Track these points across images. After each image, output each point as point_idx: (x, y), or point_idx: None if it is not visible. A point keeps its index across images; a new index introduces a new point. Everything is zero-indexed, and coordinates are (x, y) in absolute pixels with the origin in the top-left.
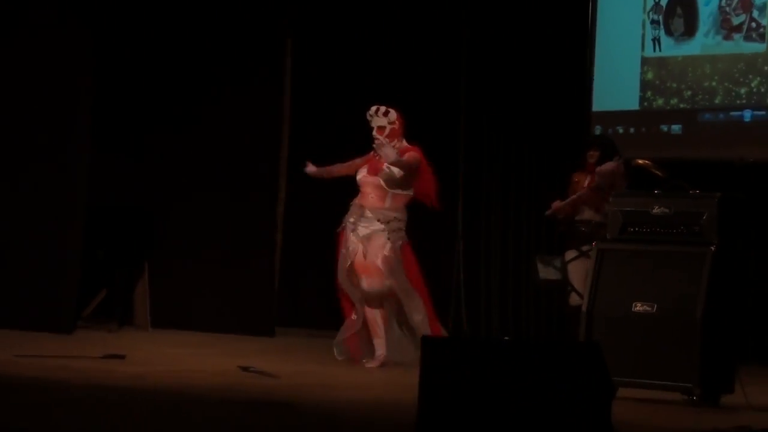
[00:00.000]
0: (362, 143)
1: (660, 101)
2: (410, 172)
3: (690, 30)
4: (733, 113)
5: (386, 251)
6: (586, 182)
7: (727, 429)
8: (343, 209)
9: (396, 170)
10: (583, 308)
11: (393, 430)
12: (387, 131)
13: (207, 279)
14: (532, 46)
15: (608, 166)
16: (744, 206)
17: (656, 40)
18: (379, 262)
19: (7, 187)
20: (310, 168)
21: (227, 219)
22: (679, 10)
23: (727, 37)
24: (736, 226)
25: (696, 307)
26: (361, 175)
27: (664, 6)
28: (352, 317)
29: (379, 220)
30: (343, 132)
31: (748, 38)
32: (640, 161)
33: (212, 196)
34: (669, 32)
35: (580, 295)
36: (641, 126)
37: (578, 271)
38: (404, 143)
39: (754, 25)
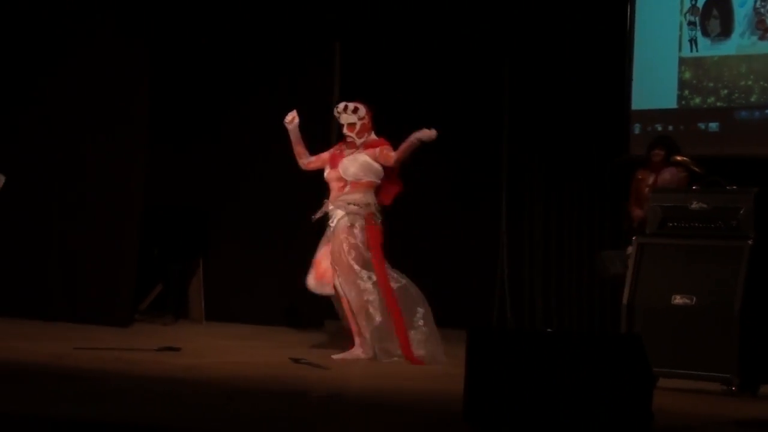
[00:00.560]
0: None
1: (697, 100)
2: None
3: (726, 31)
4: None
5: (344, 237)
6: (651, 180)
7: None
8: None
9: (362, 159)
10: (624, 301)
11: (441, 418)
12: (357, 127)
13: (259, 274)
14: (572, 47)
15: (666, 175)
16: None
17: (693, 41)
18: (344, 254)
19: (68, 186)
20: (290, 120)
21: (278, 217)
22: (715, 12)
23: (762, 38)
24: None
25: (734, 299)
26: (326, 172)
27: (701, 8)
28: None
29: (346, 205)
30: (390, 135)
31: None
32: (679, 158)
33: (264, 194)
34: (705, 33)
35: None
36: (679, 124)
37: None
38: (373, 136)
39: None
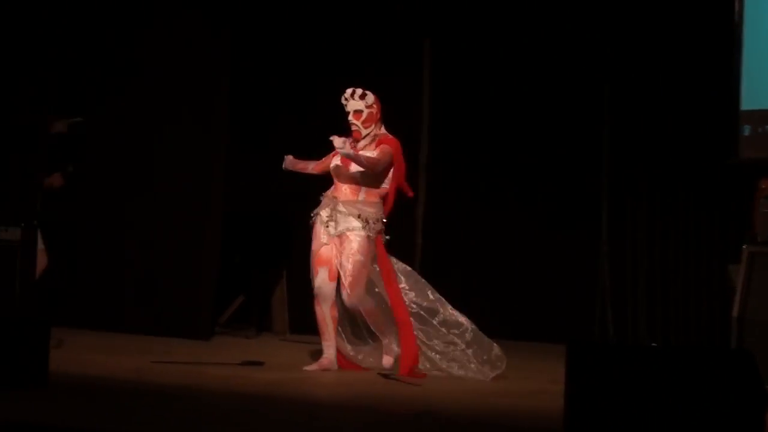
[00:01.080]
0: (502, 146)
1: None
2: (374, 170)
3: None
4: None
5: (359, 252)
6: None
7: None
8: (489, 209)
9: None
10: (734, 314)
11: None
12: (364, 116)
13: None
14: (675, 44)
15: None
16: None
17: None
18: (350, 265)
19: (145, 192)
20: (288, 162)
21: None
22: None
23: None
24: None
25: None
26: (335, 163)
27: None
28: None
29: (358, 216)
30: (483, 134)
31: None
32: None
33: None
34: None
35: None
36: None
37: None
38: (382, 130)
39: None
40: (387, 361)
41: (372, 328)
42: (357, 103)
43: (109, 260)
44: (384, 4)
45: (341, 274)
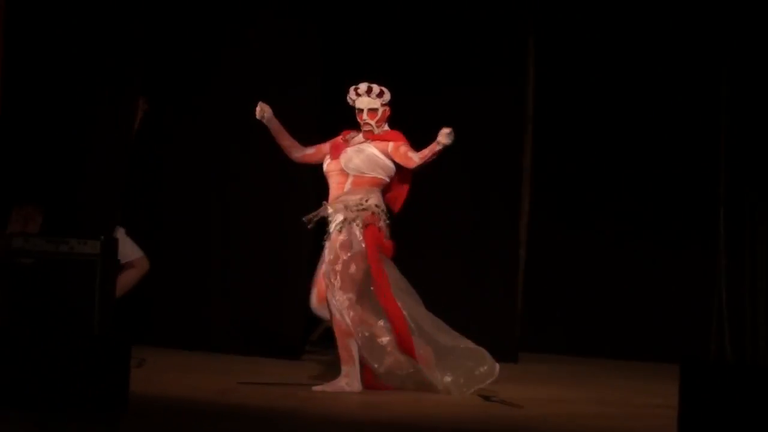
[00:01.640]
0: (611, 151)
1: None
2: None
3: None
4: None
5: (340, 247)
6: None
7: None
8: (596, 219)
9: (369, 151)
10: None
11: None
12: (379, 115)
13: (442, 298)
14: None
15: None
16: None
17: None
18: (342, 266)
19: (234, 207)
20: (266, 111)
21: (464, 233)
22: None
23: None
24: None
25: None
26: (326, 164)
27: None
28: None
29: (344, 208)
30: (589, 139)
31: None
32: None
33: (447, 208)
34: None
35: None
36: None
37: None
38: (386, 128)
39: None
40: (344, 384)
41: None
42: (373, 101)
43: (192, 276)
44: (483, 4)
45: (329, 277)
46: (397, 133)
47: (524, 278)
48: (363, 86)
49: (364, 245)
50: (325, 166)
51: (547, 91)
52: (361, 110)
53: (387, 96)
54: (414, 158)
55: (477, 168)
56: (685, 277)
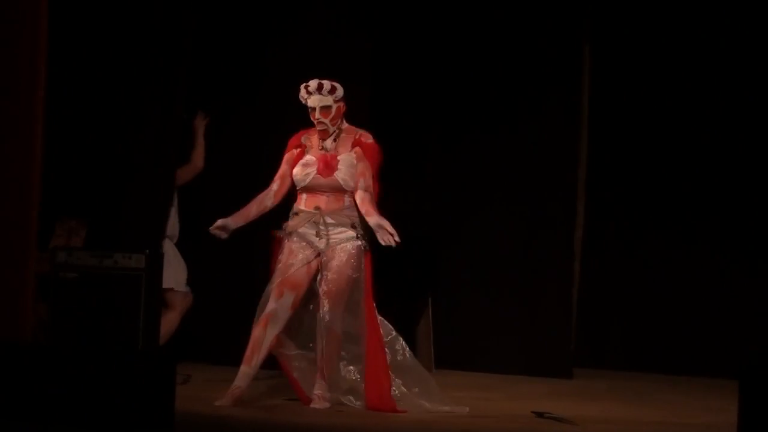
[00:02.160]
0: (669, 162)
1: None
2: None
3: None
4: None
5: (350, 265)
6: None
7: None
8: (653, 231)
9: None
10: None
11: None
12: (333, 112)
13: (495, 314)
14: None
15: None
16: None
17: None
18: (336, 278)
19: (276, 221)
20: (218, 227)
21: (518, 246)
22: None
23: None
24: None
25: None
26: (310, 177)
27: None
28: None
29: (351, 225)
30: (648, 149)
31: None
32: None
33: (501, 221)
34: None
35: None
36: None
37: None
38: (345, 124)
39: None
40: (320, 403)
41: (324, 356)
42: (326, 98)
43: (241, 288)
44: (537, 10)
45: (323, 289)
46: (365, 146)
47: (579, 293)
48: (313, 83)
49: (364, 273)
50: (307, 181)
51: (603, 100)
52: (314, 109)
53: (340, 92)
54: (361, 202)
55: (531, 180)
56: (744, 291)
